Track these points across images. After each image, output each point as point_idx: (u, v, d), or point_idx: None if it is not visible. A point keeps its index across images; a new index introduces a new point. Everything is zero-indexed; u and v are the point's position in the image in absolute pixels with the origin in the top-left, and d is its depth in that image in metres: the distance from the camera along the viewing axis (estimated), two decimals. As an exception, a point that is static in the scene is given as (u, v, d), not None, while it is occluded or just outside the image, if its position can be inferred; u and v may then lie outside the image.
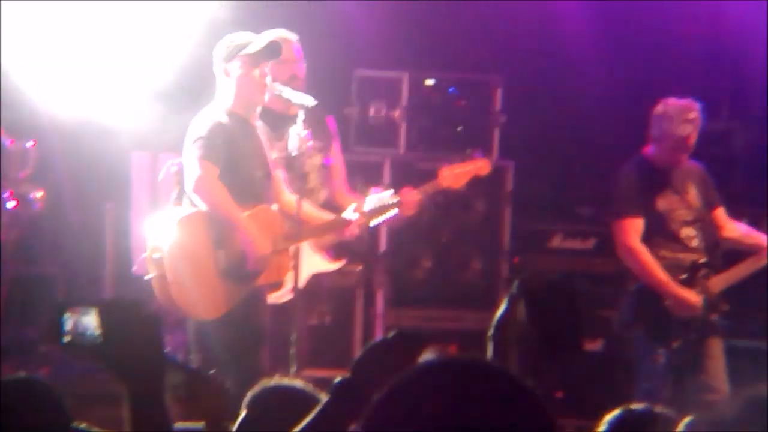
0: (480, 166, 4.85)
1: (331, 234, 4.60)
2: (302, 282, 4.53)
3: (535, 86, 6.37)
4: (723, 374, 4.79)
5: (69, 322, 1.86)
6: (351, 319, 5.62)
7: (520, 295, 2.63)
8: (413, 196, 4.69)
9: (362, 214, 4.54)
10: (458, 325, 5.79)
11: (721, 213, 5.01)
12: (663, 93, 5.06)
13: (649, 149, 4.98)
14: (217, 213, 4.28)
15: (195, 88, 4.98)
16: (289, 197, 4.50)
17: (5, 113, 5.58)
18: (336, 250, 4.75)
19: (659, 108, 4.93)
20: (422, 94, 6.05)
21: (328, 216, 4.62)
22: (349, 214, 4.53)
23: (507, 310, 2.61)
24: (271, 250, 4.32)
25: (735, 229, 5.01)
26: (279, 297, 4.52)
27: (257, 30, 4.49)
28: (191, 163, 4.31)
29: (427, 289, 5.84)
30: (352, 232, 4.55)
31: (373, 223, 4.60)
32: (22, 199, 5.69)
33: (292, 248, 4.41)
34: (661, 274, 4.79)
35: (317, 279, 4.73)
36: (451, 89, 6.11)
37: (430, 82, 6.08)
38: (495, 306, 6.37)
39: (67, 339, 1.86)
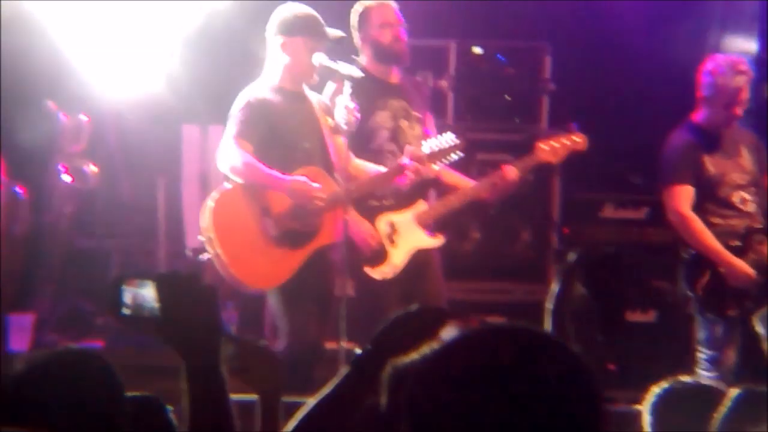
0: (578, 141, 4.75)
1: (387, 183, 4.48)
2: (405, 258, 4.53)
3: (585, 53, 6.28)
4: None
5: (128, 294, 1.88)
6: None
7: (578, 268, 2.62)
8: (512, 172, 4.61)
9: (419, 157, 4.45)
10: (507, 298, 5.77)
11: None
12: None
13: (699, 113, 4.89)
14: (248, 179, 4.28)
15: (245, 59, 5.00)
16: (356, 161, 4.44)
17: (59, 89, 5.67)
18: (437, 226, 4.69)
19: (708, 64, 4.84)
20: (470, 63, 6.00)
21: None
22: (404, 158, 4.47)
23: (565, 283, 2.60)
24: (325, 198, 4.28)
25: None
26: (384, 273, 4.50)
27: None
28: (224, 141, 4.34)
29: (475, 261, 5.81)
30: (410, 176, 4.45)
31: (434, 166, 4.51)
32: (77, 174, 5.78)
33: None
34: (712, 241, 4.73)
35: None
36: (499, 57, 6.05)
37: (477, 50, 6.03)
38: (544, 278, 6.40)
39: (126, 311, 1.88)
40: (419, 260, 4.60)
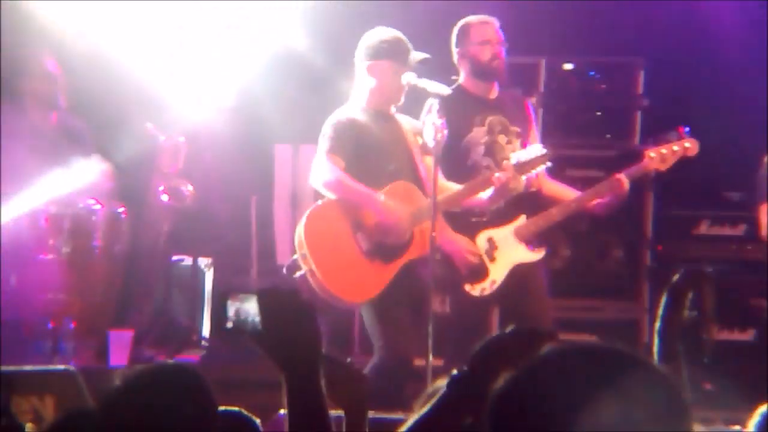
0: (688, 146, 4.64)
1: (473, 194, 4.44)
2: (504, 273, 4.51)
3: (679, 67, 6.17)
4: None
5: (231, 309, 1.93)
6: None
7: (686, 288, 2.56)
8: (625, 182, 4.54)
9: (508, 168, 4.43)
10: (598, 316, 5.68)
11: None
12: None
13: None
14: (344, 196, 4.34)
15: (337, 80, 5.07)
16: (446, 182, 4.43)
17: (158, 111, 5.84)
18: (538, 241, 4.65)
19: None
20: (560, 80, 5.95)
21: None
22: (494, 174, 4.43)
23: (674, 303, 2.55)
24: (407, 215, 4.32)
25: None
26: (483, 290, 4.49)
27: (401, 25, 4.51)
28: (318, 157, 4.41)
29: (566, 279, 5.74)
30: (497, 187, 4.39)
31: (523, 177, 4.48)
32: (174, 193, 5.93)
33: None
34: None
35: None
36: (591, 73, 5.99)
37: (568, 66, 5.98)
38: (637, 296, 6.25)
39: (229, 325, 1.93)
40: (520, 276, 4.55)
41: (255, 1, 5.79)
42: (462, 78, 4.69)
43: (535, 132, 4.82)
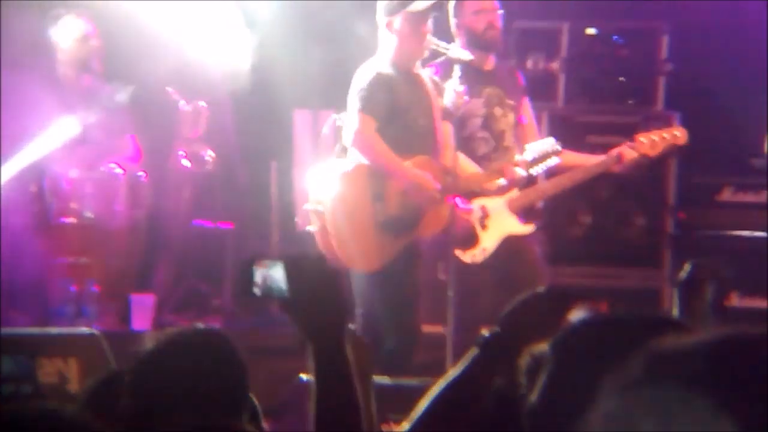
0: (678, 135, 4.67)
1: (487, 183, 4.52)
2: (495, 243, 4.54)
3: (704, 32, 6.08)
4: None
5: (258, 275, 1.92)
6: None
7: (693, 286, 2.54)
8: (630, 153, 4.57)
9: (522, 162, 4.46)
10: (619, 283, 5.64)
11: None
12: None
13: None
14: (375, 163, 4.34)
15: (355, 45, 5.05)
16: (453, 152, 4.45)
17: (177, 75, 5.84)
18: (527, 214, 4.68)
19: None
20: (583, 45, 5.89)
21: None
22: (509, 166, 4.46)
23: (683, 304, 2.53)
24: (439, 192, 4.32)
25: None
26: (474, 256, 4.52)
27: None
28: (351, 116, 4.40)
29: (586, 246, 5.71)
30: (514, 182, 4.46)
31: (534, 171, 4.50)
32: (195, 158, 5.95)
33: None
34: None
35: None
36: (614, 38, 5.92)
37: (591, 31, 5.91)
38: (659, 263, 6.20)
39: (256, 291, 1.93)
40: (512, 246, 4.58)
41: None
42: (459, 45, 4.64)
43: (527, 104, 4.80)
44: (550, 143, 4.48)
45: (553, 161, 4.48)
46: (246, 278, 1.93)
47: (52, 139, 5.33)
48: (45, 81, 5.38)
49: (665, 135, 4.65)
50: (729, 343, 1.06)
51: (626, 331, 1.41)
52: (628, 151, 4.58)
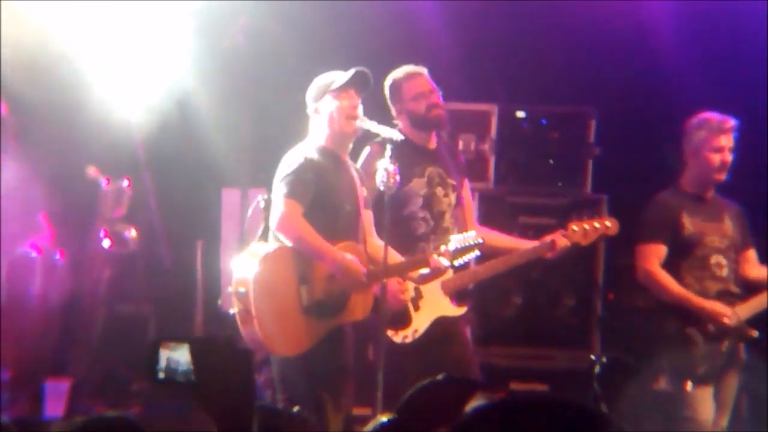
0: (609, 225, 4.74)
1: (412, 271, 4.51)
2: (427, 323, 4.50)
3: (630, 117, 6.22)
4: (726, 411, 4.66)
5: (163, 358, 1.88)
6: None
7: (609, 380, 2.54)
8: (563, 242, 4.61)
9: (445, 253, 4.46)
10: (549, 364, 5.64)
11: (751, 254, 4.87)
12: (760, 124, 4.89)
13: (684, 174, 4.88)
14: (301, 246, 4.27)
15: (286, 126, 5.01)
16: (376, 241, 4.44)
17: (102, 153, 5.73)
18: (459, 296, 4.65)
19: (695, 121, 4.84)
20: (512, 127, 5.97)
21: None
22: (433, 255, 4.46)
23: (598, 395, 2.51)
24: (366, 273, 4.27)
25: (761, 271, 4.85)
26: (405, 337, 4.48)
27: (354, 66, 4.48)
28: (277, 201, 4.33)
29: (517, 327, 5.71)
30: (434, 273, 4.47)
31: (456, 263, 4.52)
32: (117, 238, 5.80)
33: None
34: (681, 290, 4.66)
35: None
36: (543, 121, 6.02)
37: (521, 114, 6.01)
38: (588, 345, 6.21)
39: (161, 375, 1.88)
40: (442, 327, 4.56)
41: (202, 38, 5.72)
42: (402, 127, 4.67)
43: (467, 185, 4.86)
44: (472, 236, 4.52)
45: (475, 254, 4.51)
46: (150, 361, 1.87)
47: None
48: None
49: (597, 225, 4.72)
50: None
51: (524, 418, 1.37)
52: (561, 240, 4.62)
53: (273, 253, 4.30)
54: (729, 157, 4.76)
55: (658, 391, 5.02)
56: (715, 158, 4.74)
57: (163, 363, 1.87)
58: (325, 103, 4.39)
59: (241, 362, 1.86)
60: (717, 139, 4.75)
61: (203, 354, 1.84)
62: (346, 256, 4.25)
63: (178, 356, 1.86)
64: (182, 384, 1.87)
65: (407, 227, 4.56)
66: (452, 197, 4.71)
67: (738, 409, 4.74)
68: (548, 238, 4.63)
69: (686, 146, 4.83)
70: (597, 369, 5.14)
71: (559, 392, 5.47)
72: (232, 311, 4.30)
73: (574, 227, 4.67)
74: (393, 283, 4.39)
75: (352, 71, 4.38)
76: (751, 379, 4.74)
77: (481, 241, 4.46)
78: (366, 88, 4.40)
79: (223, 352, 1.86)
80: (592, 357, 5.33)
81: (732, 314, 4.68)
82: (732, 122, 4.80)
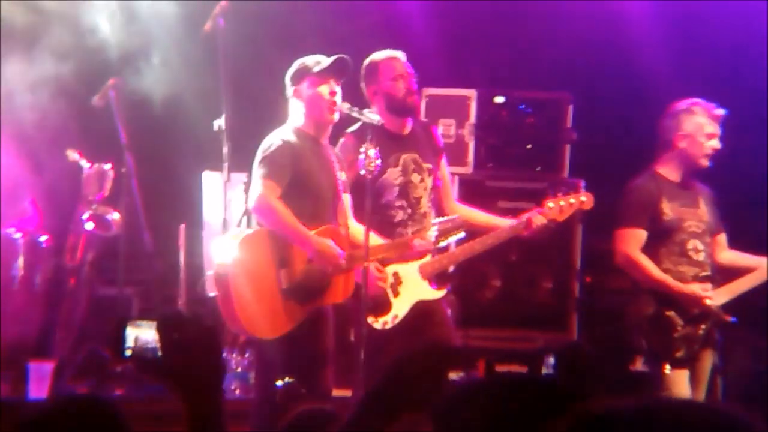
0: (584, 200, 4.76)
1: (394, 254, 4.54)
2: (407, 308, 4.52)
3: (607, 102, 6.28)
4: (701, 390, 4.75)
5: (131, 336, 1.87)
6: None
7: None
8: (539, 219, 4.62)
9: (428, 241, 4.48)
10: (528, 346, 5.70)
11: (722, 238, 4.92)
12: (735, 109, 4.96)
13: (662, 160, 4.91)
14: (278, 230, 4.28)
15: (267, 108, 5.03)
16: (355, 224, 4.46)
17: (84, 136, 5.72)
18: (439, 279, 4.66)
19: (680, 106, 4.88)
20: (491, 112, 6.01)
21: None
22: (415, 238, 4.49)
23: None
24: (348, 260, 4.29)
25: (732, 255, 4.91)
26: (385, 323, 4.48)
27: (334, 51, 4.50)
28: (255, 182, 4.35)
29: (496, 309, 5.76)
30: (418, 253, 4.50)
31: (439, 245, 4.54)
32: (100, 221, 5.81)
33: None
34: (660, 273, 4.70)
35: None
36: (521, 106, 6.06)
37: (499, 99, 6.05)
38: (566, 326, 6.29)
39: (128, 353, 1.88)
40: (423, 312, 4.58)
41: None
42: (376, 111, 4.64)
43: (444, 164, 4.84)
44: (453, 218, 4.54)
45: (457, 235, 4.53)
46: (117, 339, 1.87)
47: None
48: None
49: (572, 200, 4.74)
50: (657, 410, 1.07)
51: (507, 397, 1.40)
52: (537, 217, 4.64)
53: (251, 236, 4.32)
54: (718, 145, 4.81)
55: (635, 372, 5.11)
56: (708, 145, 4.78)
57: (130, 341, 1.85)
58: (304, 88, 4.40)
59: (207, 339, 1.83)
60: (712, 125, 4.78)
61: (169, 331, 1.82)
62: (324, 240, 4.27)
63: (147, 334, 1.85)
64: (149, 361, 1.85)
65: (384, 215, 4.57)
66: (428, 181, 4.70)
67: (712, 388, 4.82)
68: (524, 216, 4.66)
69: (673, 131, 4.82)
70: (552, 358, 5.20)
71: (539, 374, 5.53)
72: (211, 294, 4.33)
73: (550, 204, 4.68)
74: (372, 269, 4.41)
75: (332, 58, 4.38)
76: (724, 359, 4.82)
77: (462, 221, 4.50)
78: (345, 74, 4.42)
79: (189, 329, 1.82)
80: (540, 346, 5.38)
81: (702, 294, 4.74)
82: (722, 111, 4.85)
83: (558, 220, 4.71)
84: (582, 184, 5.82)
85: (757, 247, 4.97)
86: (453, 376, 1.83)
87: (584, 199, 4.77)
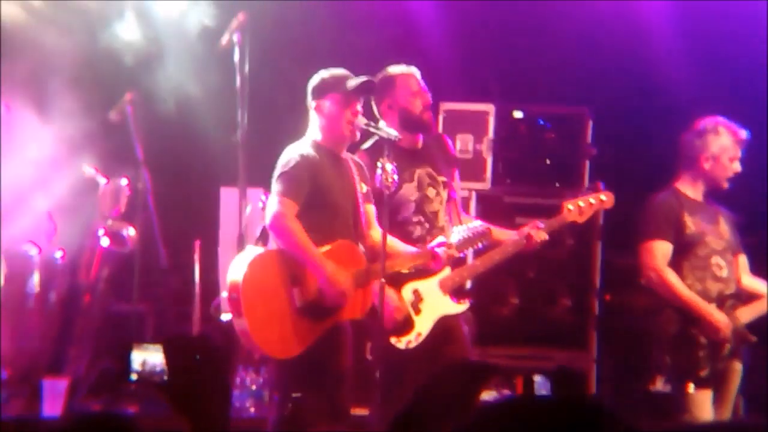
0: (604, 199, 4.68)
1: (416, 265, 4.47)
2: (430, 325, 4.46)
3: (626, 117, 6.23)
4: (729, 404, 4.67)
5: (138, 359, 1.85)
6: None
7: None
8: (540, 235, 4.54)
9: (449, 245, 4.43)
10: (546, 364, 5.64)
11: (743, 260, 4.86)
12: (754, 125, 4.91)
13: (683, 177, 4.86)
14: (289, 248, 4.23)
15: (284, 122, 5.01)
16: (378, 233, 4.40)
17: (101, 152, 5.72)
18: (458, 292, 4.60)
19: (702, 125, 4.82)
20: (509, 127, 5.97)
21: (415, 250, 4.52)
22: (436, 245, 4.44)
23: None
24: (351, 285, 4.25)
25: (752, 282, 4.83)
26: (409, 342, 4.42)
27: (350, 65, 4.47)
28: (272, 198, 4.32)
29: (514, 327, 5.70)
30: (441, 263, 4.44)
31: (461, 253, 4.48)
32: (115, 237, 5.79)
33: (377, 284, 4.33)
34: (690, 293, 4.64)
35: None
36: (540, 121, 6.02)
37: (518, 114, 6.00)
38: (585, 344, 6.23)
39: (134, 377, 1.86)
40: (444, 326, 4.52)
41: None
42: (389, 125, 4.58)
43: (457, 175, 4.79)
44: (476, 225, 4.47)
45: (480, 243, 4.46)
46: (123, 363, 1.85)
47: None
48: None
49: (592, 200, 4.65)
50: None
51: (539, 415, 1.36)
52: (537, 233, 4.55)
53: (261, 256, 4.27)
54: (740, 168, 4.77)
55: (654, 392, 5.03)
56: (732, 167, 4.74)
57: (136, 364, 1.84)
58: (326, 104, 4.37)
59: (214, 362, 1.83)
60: (736, 148, 4.75)
61: (176, 353, 1.82)
62: (331, 267, 4.20)
63: (153, 356, 1.84)
64: (156, 384, 1.84)
65: (402, 231, 4.53)
66: (444, 194, 4.66)
67: (735, 408, 4.74)
68: (524, 230, 4.58)
69: (698, 150, 4.77)
70: (551, 383, 5.14)
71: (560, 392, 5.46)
72: (225, 317, 4.28)
73: (569, 206, 4.61)
74: (389, 296, 4.34)
75: (360, 80, 4.34)
76: (749, 378, 4.75)
77: (485, 228, 4.43)
78: (370, 95, 4.40)
79: (196, 352, 1.82)
80: (535, 378, 5.32)
81: (726, 326, 4.65)
82: (746, 134, 4.81)
83: (579, 221, 4.63)
84: (601, 184, 5.75)
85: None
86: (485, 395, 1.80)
87: (604, 198, 4.69)
